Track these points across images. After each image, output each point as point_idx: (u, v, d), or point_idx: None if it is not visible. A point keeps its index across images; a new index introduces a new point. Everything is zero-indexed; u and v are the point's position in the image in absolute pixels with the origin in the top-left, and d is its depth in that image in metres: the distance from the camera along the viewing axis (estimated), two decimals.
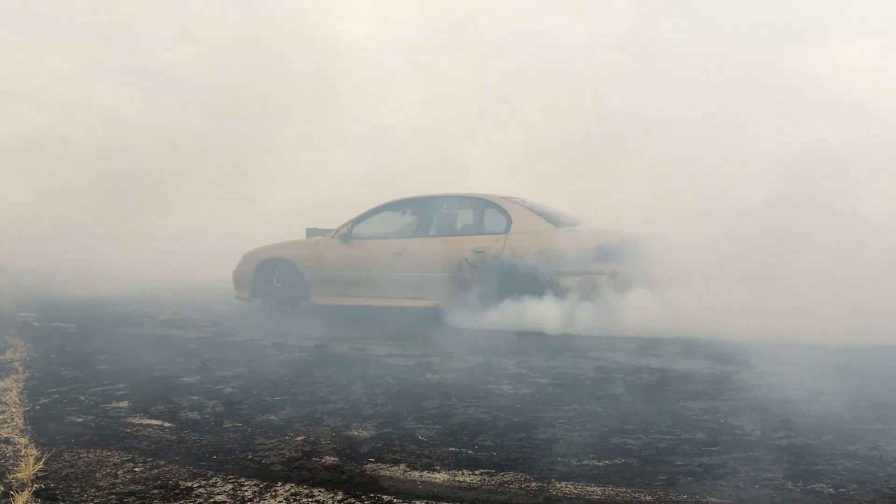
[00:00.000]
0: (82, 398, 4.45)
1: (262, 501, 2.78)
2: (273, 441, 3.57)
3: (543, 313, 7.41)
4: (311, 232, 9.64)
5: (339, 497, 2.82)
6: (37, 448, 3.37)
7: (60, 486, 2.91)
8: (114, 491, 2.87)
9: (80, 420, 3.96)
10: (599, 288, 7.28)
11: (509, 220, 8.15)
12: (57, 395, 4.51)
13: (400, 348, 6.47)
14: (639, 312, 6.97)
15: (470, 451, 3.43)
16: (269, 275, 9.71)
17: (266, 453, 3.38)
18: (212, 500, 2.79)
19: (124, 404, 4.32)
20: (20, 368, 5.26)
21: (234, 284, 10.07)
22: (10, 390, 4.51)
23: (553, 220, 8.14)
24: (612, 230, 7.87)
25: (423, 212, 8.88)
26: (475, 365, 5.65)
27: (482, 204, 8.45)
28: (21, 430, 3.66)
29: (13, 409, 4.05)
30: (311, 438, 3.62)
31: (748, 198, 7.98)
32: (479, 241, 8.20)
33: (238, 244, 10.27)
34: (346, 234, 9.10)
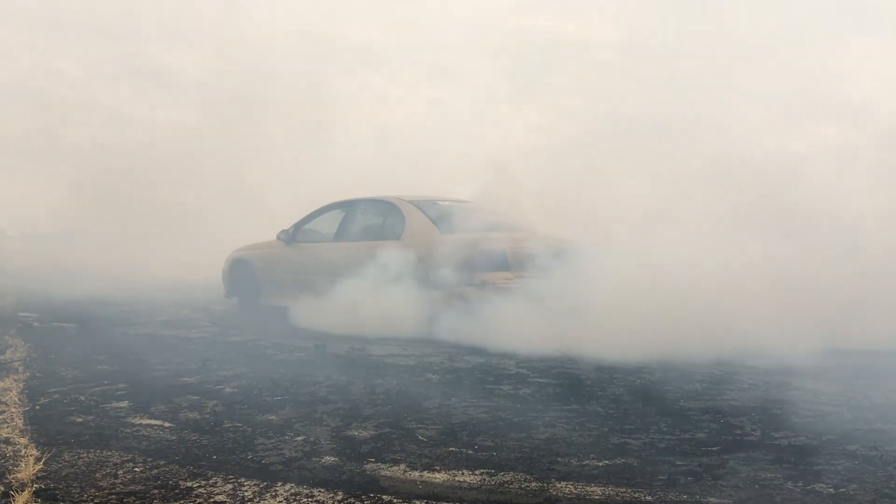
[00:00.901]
0: (82, 398, 4.45)
1: (262, 501, 2.78)
2: (273, 441, 3.57)
3: (388, 320, 7.10)
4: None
5: (339, 497, 2.83)
6: (37, 448, 3.38)
7: (60, 486, 2.91)
8: (114, 491, 2.87)
9: (80, 420, 3.96)
10: (464, 298, 6.92)
11: (403, 225, 7.92)
12: (57, 395, 4.51)
13: (400, 348, 6.47)
14: (485, 326, 6.52)
15: (470, 451, 3.43)
16: (238, 274, 9.80)
17: (266, 453, 3.38)
18: (212, 500, 2.79)
19: (124, 404, 4.32)
20: (20, 368, 5.26)
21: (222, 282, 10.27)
22: (10, 390, 4.51)
23: (444, 224, 7.71)
24: (494, 237, 7.37)
25: (346, 215, 8.76)
26: (475, 365, 5.65)
27: (387, 207, 8.26)
28: (21, 430, 3.67)
29: (13, 409, 4.05)
30: (311, 438, 3.62)
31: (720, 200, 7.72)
32: (377, 247, 7.86)
33: (239, 244, 10.31)
34: (289, 236, 9.07)
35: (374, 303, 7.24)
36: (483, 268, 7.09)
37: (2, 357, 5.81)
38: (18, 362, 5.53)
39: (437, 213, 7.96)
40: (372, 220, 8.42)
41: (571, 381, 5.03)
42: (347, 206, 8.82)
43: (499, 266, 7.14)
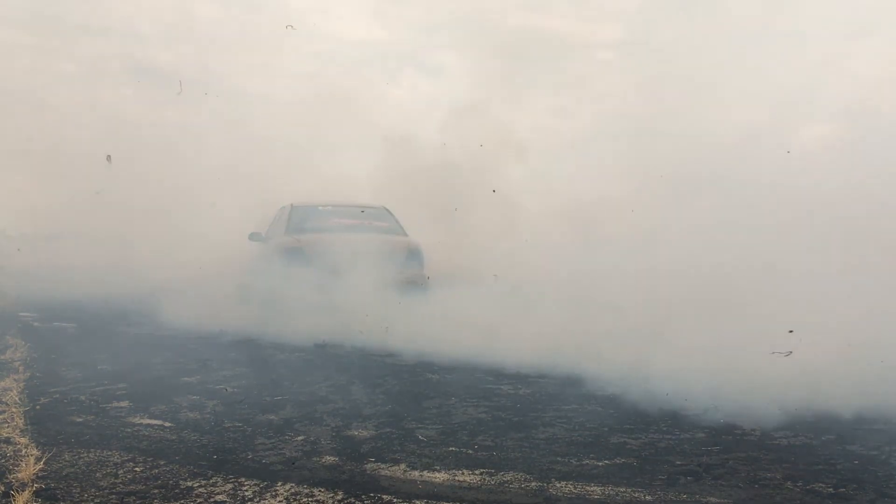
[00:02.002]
0: (83, 398, 4.45)
1: (262, 501, 2.78)
2: (273, 441, 3.58)
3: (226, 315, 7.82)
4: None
5: (339, 497, 2.83)
6: (37, 448, 3.38)
7: (61, 486, 2.91)
8: (114, 491, 2.88)
9: (81, 420, 3.96)
10: (271, 289, 7.78)
11: (278, 226, 8.99)
12: (57, 395, 4.51)
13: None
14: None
15: (470, 451, 3.43)
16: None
17: (266, 453, 3.38)
18: (212, 499, 2.79)
19: (125, 404, 4.32)
20: (21, 368, 5.26)
21: None
22: (11, 390, 4.51)
23: (294, 226, 8.68)
24: (303, 238, 8.30)
25: (275, 218, 9.57)
26: (475, 365, 5.65)
27: (282, 210, 9.27)
28: (21, 430, 3.67)
29: (14, 409, 4.05)
30: (311, 438, 3.63)
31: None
32: (260, 247, 8.89)
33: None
34: (260, 237, 9.60)
35: (225, 297, 8.17)
36: (292, 264, 7.88)
37: (2, 357, 5.81)
38: (19, 362, 5.53)
39: (301, 217, 8.91)
40: (276, 222, 9.32)
41: (571, 381, 5.03)
42: (279, 210, 9.71)
43: (302, 263, 7.88)
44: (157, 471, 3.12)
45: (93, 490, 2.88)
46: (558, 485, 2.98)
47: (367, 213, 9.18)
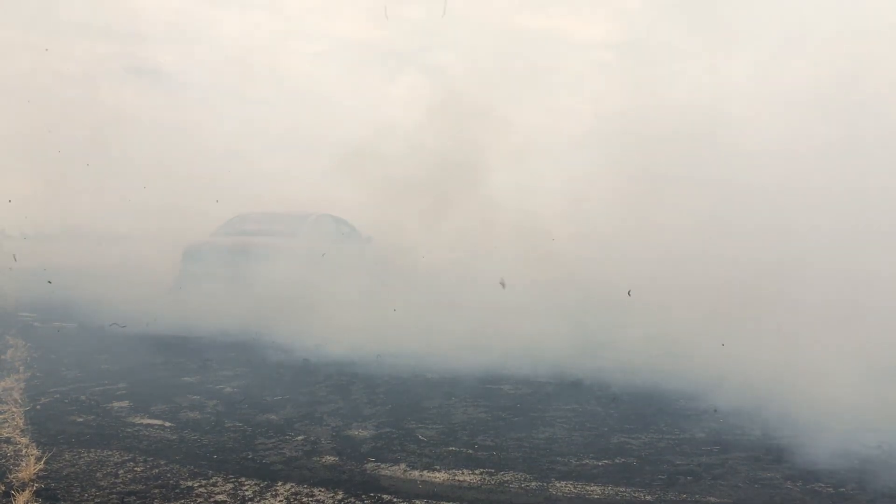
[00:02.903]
0: (83, 398, 4.45)
1: (262, 501, 2.78)
2: (273, 441, 3.58)
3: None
4: None
5: (340, 496, 2.83)
6: (38, 448, 3.38)
7: (61, 486, 2.92)
8: (114, 490, 2.88)
9: (81, 419, 3.96)
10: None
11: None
12: (57, 395, 4.51)
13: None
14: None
15: (470, 451, 3.43)
16: None
17: (266, 453, 3.38)
18: (212, 499, 2.80)
19: (125, 404, 4.32)
20: (21, 368, 5.26)
21: None
22: (11, 390, 4.52)
23: (221, 230, 9.83)
24: (199, 240, 9.53)
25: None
26: (475, 364, 5.65)
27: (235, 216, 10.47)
28: (22, 430, 3.67)
29: (14, 409, 4.05)
30: (311, 438, 3.63)
31: None
32: None
33: None
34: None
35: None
36: (185, 261, 9.20)
37: (2, 357, 5.81)
38: (19, 362, 5.53)
39: (233, 223, 9.95)
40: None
41: (572, 381, 5.03)
42: None
43: (191, 262, 9.11)
44: (157, 470, 3.12)
45: (93, 490, 2.88)
46: (558, 485, 2.99)
47: (282, 219, 9.95)
